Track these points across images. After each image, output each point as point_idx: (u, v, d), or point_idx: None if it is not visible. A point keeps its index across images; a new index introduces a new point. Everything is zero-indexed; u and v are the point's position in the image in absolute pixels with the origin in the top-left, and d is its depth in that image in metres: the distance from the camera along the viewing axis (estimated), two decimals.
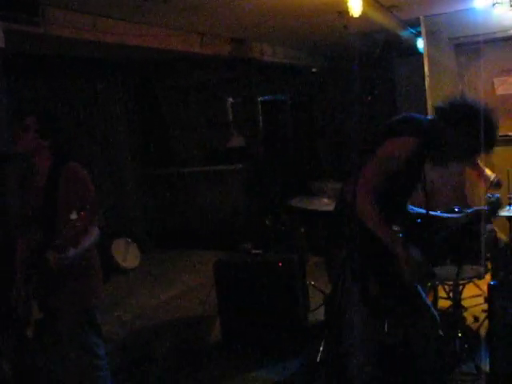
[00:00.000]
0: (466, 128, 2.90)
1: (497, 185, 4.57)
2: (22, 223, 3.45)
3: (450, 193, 4.55)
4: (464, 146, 2.94)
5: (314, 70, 9.85)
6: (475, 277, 4.02)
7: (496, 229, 4.52)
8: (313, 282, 5.20)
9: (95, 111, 8.03)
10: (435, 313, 3.10)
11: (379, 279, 2.87)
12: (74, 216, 2.90)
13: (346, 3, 4.89)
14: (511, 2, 5.76)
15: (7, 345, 3.50)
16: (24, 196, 3.41)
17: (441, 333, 3.01)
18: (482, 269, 3.89)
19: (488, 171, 4.58)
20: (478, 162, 4.71)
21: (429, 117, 3.19)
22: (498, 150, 6.17)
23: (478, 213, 3.27)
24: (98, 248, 3.43)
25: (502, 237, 4.45)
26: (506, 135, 6.14)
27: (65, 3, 4.85)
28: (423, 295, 3.07)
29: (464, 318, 4.49)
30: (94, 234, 3.27)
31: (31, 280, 3.18)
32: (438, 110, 3.01)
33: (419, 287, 3.06)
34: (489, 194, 4.17)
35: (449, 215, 3.58)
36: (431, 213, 3.26)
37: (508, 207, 4.19)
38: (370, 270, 2.88)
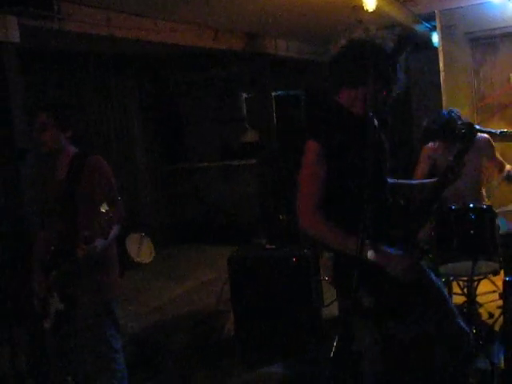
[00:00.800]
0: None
1: (509, 178, 4.54)
2: (42, 216, 3.47)
3: (466, 191, 4.52)
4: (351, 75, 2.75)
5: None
6: (490, 273, 3.99)
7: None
8: (326, 278, 5.19)
9: (109, 106, 8.06)
10: (453, 306, 2.98)
11: (371, 290, 2.54)
12: (104, 208, 2.90)
13: None
14: None
15: (22, 338, 3.53)
16: (43, 189, 3.43)
17: (462, 326, 2.85)
18: (497, 265, 3.86)
19: (509, 166, 4.56)
20: (496, 155, 4.69)
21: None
22: None
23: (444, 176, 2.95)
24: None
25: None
26: None
27: None
28: (439, 287, 2.92)
29: (479, 314, 4.47)
30: (117, 227, 3.29)
31: (52, 272, 3.20)
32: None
33: (433, 279, 2.91)
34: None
35: (413, 182, 3.38)
36: (400, 181, 3.03)
37: None
38: (358, 282, 2.60)
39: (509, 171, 4.58)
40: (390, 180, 2.90)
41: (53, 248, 3.25)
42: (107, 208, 2.89)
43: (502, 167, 4.69)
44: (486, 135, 4.75)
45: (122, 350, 3.45)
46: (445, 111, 4.55)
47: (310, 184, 2.66)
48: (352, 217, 2.38)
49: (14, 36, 4.46)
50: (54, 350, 3.42)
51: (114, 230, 3.22)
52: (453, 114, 4.40)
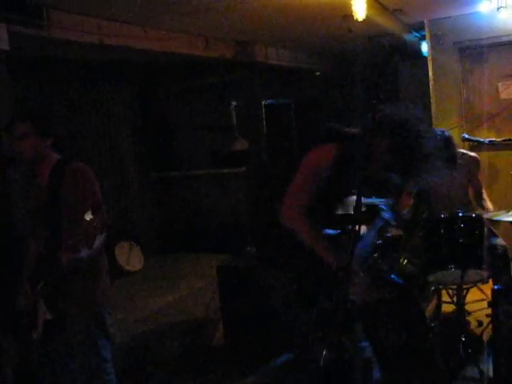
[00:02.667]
0: (389, 142, 2.75)
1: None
2: (29, 224, 3.45)
3: (455, 198, 4.54)
4: (382, 163, 2.78)
5: (317, 73, 9.85)
6: (479, 281, 4.01)
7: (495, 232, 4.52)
8: None
9: (99, 114, 8.04)
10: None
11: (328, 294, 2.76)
12: (89, 216, 2.85)
13: (350, 7, 4.90)
14: None
15: (10, 347, 3.50)
16: (28, 196, 3.41)
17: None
18: (485, 273, 3.88)
19: (489, 204, 4.58)
20: (479, 177, 4.72)
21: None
22: (501, 153, 6.21)
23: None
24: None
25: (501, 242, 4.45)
26: (510, 139, 6.14)
27: (69, 6, 4.86)
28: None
29: (468, 323, 4.48)
30: (103, 235, 3.27)
31: (40, 281, 3.17)
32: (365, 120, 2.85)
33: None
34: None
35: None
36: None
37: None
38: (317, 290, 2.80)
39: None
40: None
41: (39, 257, 3.22)
42: (91, 216, 2.85)
43: (479, 192, 4.71)
44: (475, 155, 4.79)
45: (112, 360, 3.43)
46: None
47: (302, 187, 2.85)
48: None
49: (4, 43, 4.44)
50: (43, 361, 3.39)
51: (100, 239, 3.20)
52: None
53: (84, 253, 3.04)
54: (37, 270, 3.21)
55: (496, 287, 3.52)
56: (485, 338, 4.25)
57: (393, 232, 4.01)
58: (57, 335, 3.25)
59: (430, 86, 6.82)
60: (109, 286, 3.44)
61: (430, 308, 4.49)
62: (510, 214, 3.90)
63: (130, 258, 7.63)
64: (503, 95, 6.50)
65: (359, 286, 2.64)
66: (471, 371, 3.74)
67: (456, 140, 4.71)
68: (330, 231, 3.00)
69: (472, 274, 3.82)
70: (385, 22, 6.19)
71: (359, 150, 2.66)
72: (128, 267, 7.51)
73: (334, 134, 2.94)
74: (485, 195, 4.72)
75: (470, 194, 4.78)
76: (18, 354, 3.92)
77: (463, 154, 4.75)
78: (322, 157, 2.85)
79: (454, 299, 4.33)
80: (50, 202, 3.19)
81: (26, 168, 3.39)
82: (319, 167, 2.83)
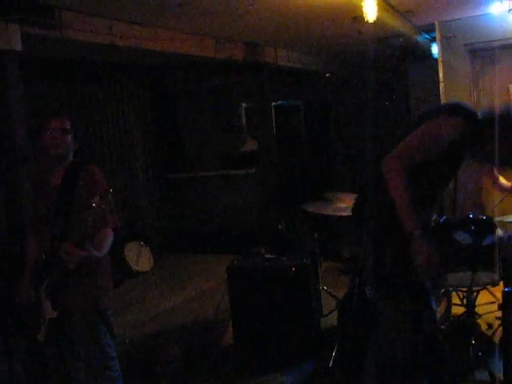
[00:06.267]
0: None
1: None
2: (34, 222, 3.47)
3: (467, 200, 4.53)
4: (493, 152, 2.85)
5: (327, 75, 9.85)
6: (489, 283, 4.00)
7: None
8: (325, 287, 5.19)
9: (110, 115, 8.07)
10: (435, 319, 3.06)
11: (394, 255, 2.79)
12: (96, 202, 2.95)
13: (361, 9, 4.89)
14: None
15: (20, 346, 3.51)
16: (37, 195, 3.43)
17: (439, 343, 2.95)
18: (496, 276, 3.87)
19: (502, 179, 4.56)
20: (495, 169, 4.70)
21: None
22: None
23: None
24: (111, 251, 3.44)
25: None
26: None
27: (81, 7, 4.89)
28: (430, 299, 3.00)
29: (478, 325, 4.46)
30: (111, 235, 3.30)
31: (44, 280, 3.20)
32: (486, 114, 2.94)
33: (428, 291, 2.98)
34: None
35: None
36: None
37: None
38: (386, 244, 2.80)
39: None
40: None
41: (44, 256, 3.24)
42: (98, 201, 2.92)
43: (495, 178, 4.70)
44: None
45: (119, 359, 3.45)
46: None
47: (416, 147, 2.80)
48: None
49: (17, 44, 4.47)
50: (49, 359, 3.41)
51: (109, 238, 3.26)
52: None
53: (94, 251, 3.08)
54: (42, 268, 3.23)
55: (507, 289, 3.50)
56: (495, 340, 4.23)
57: None
58: (62, 333, 3.27)
59: (441, 88, 6.80)
60: (112, 285, 3.48)
61: (440, 310, 4.47)
62: None
63: (140, 258, 7.63)
64: None
65: (425, 254, 2.65)
66: (481, 374, 3.72)
67: None
68: None
69: (482, 276, 3.80)
70: (395, 24, 6.18)
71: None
72: (137, 268, 7.51)
73: (465, 111, 2.88)
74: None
75: (488, 185, 4.76)
76: (27, 354, 3.93)
77: None
78: (449, 126, 2.81)
79: (464, 301, 4.31)
80: (60, 202, 3.22)
81: (40, 167, 3.43)
82: (442, 136, 2.79)
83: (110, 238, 3.28)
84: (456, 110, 2.87)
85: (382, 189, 2.77)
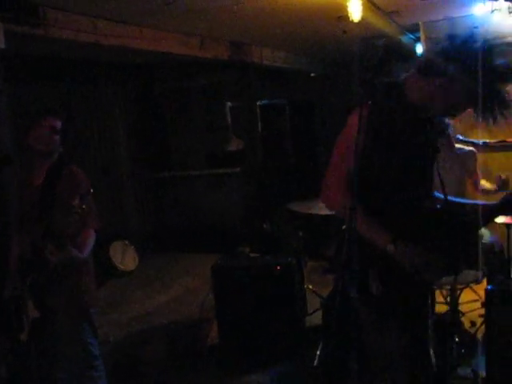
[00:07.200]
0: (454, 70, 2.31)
1: (504, 184, 4.57)
2: (17, 221, 3.45)
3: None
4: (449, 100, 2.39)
5: (312, 74, 9.88)
6: (473, 281, 4.03)
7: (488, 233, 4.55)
8: (310, 286, 5.20)
9: (94, 114, 8.04)
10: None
11: (382, 276, 2.45)
12: (76, 202, 2.95)
13: (346, 8, 4.91)
14: (510, 8, 5.78)
15: (3, 347, 3.49)
16: (21, 194, 3.42)
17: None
18: (479, 273, 3.90)
19: (485, 182, 4.60)
20: (477, 170, 4.73)
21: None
22: (495, 155, 6.22)
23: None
24: (96, 250, 3.44)
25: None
26: (504, 141, 6.17)
27: (66, 5, 4.86)
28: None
29: (461, 323, 4.50)
30: (93, 236, 3.30)
31: (27, 279, 3.18)
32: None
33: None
34: None
35: (468, 201, 2.97)
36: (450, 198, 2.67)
37: None
38: (371, 266, 2.45)
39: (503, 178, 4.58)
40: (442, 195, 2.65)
41: (27, 255, 3.23)
42: (78, 202, 2.93)
43: (477, 184, 4.72)
44: (472, 148, 4.81)
45: (104, 358, 3.44)
46: None
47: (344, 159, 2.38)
48: (385, 207, 2.39)
49: (0, 42, 4.43)
50: (34, 360, 3.39)
51: (91, 239, 3.27)
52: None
53: (75, 252, 3.09)
54: (25, 267, 3.22)
55: (489, 287, 3.54)
56: (478, 338, 4.27)
57: None
58: (45, 333, 3.26)
59: None
60: (95, 285, 3.47)
61: None
62: None
63: (125, 257, 7.63)
64: None
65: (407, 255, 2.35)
66: (464, 371, 3.76)
67: None
68: None
69: (466, 274, 3.84)
70: (380, 24, 6.21)
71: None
72: (122, 267, 7.50)
73: (363, 95, 2.50)
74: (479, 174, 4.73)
75: (469, 188, 4.79)
76: (11, 354, 3.91)
77: (459, 148, 4.77)
78: (351, 124, 2.43)
79: (448, 300, 4.35)
80: (42, 201, 3.21)
81: (23, 166, 3.42)
82: (352, 136, 2.27)
83: (91, 239, 3.29)
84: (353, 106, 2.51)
85: None
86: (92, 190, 3.26)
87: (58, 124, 3.28)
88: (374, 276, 2.44)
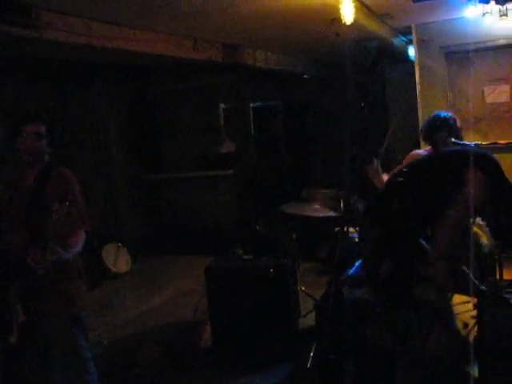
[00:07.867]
0: None
1: None
2: (8, 222, 3.41)
3: None
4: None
5: (305, 76, 9.90)
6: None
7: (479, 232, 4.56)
8: (303, 288, 5.21)
9: (87, 115, 8.03)
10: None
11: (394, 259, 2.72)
12: (55, 207, 2.95)
13: (338, 11, 4.93)
14: (501, 11, 5.82)
15: None
16: (10, 196, 3.41)
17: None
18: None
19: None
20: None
21: None
22: None
23: None
24: (89, 253, 3.44)
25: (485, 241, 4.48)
26: (495, 143, 6.21)
27: (59, 7, 4.85)
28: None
29: None
30: (83, 237, 3.30)
31: (14, 284, 3.17)
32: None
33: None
34: None
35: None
36: None
37: None
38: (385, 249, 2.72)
39: None
40: None
41: (15, 258, 3.22)
42: (58, 207, 2.92)
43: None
44: None
45: (97, 361, 3.44)
46: (433, 115, 4.44)
47: None
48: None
49: None
50: (25, 363, 3.38)
51: (79, 240, 3.26)
52: (436, 119, 4.30)
53: (64, 254, 3.08)
54: (13, 271, 3.20)
55: (481, 289, 3.56)
56: (470, 339, 4.29)
57: None
58: (34, 337, 3.25)
59: (417, 90, 6.88)
60: (85, 288, 3.47)
61: None
62: None
63: (118, 259, 7.62)
64: (489, 99, 6.57)
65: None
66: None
67: None
68: None
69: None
70: (372, 26, 6.23)
71: None
72: (115, 269, 7.50)
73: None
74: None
75: None
76: (3, 356, 3.89)
77: None
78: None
79: None
80: (32, 204, 3.21)
81: (16, 167, 3.41)
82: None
83: (80, 240, 3.27)
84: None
85: (388, 197, 2.73)
86: (83, 192, 3.26)
87: (42, 129, 3.28)
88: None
